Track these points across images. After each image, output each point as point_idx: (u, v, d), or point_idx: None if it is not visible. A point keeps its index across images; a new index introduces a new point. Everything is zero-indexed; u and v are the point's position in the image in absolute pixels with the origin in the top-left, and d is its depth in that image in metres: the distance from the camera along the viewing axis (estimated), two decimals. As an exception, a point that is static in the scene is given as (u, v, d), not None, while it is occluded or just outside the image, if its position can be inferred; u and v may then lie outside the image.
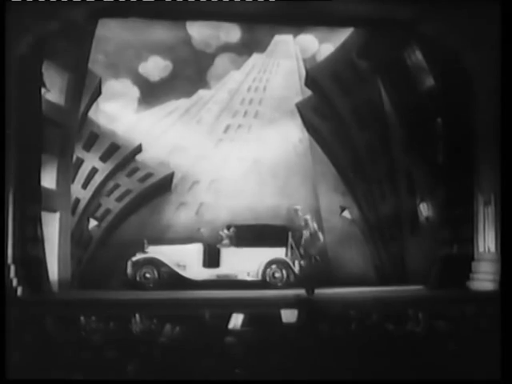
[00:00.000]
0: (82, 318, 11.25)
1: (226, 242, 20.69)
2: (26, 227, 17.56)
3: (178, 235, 22.49)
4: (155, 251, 20.28)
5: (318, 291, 17.88)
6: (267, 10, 17.35)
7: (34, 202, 17.94)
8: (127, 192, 23.39)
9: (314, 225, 19.32)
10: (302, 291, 17.70)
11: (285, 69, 25.17)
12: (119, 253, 20.98)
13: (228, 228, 20.97)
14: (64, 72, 20.16)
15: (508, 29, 14.01)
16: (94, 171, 22.66)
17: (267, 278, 20.21)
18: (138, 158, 23.65)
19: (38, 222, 17.98)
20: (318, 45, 24.10)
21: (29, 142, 17.62)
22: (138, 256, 20.19)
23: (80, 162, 22.27)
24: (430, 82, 20.08)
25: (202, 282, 19.94)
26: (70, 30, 17.81)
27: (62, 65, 19.93)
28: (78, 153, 22.02)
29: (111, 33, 21.84)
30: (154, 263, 20.12)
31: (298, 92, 24.53)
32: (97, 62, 22.00)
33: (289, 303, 13.43)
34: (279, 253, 20.38)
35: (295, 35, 24.38)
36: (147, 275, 20.05)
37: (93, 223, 22.72)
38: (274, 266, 20.30)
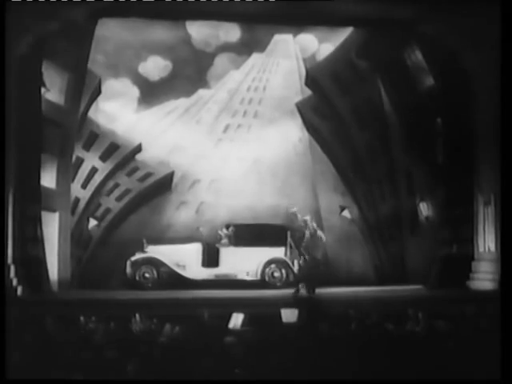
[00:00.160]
0: (81, 318, 11.26)
1: (225, 241, 20.67)
2: (26, 227, 17.56)
3: (178, 234, 22.49)
4: (154, 251, 20.27)
5: (319, 291, 17.85)
6: (267, 10, 17.34)
7: (34, 201, 17.94)
8: (127, 191, 23.40)
9: (313, 225, 19.33)
10: (302, 291, 17.69)
11: (284, 68, 25.18)
12: (119, 252, 20.98)
13: (227, 227, 20.96)
14: (64, 72, 20.17)
15: (508, 29, 14.03)
16: (93, 171, 22.66)
17: (266, 278, 20.20)
18: (138, 157, 23.66)
19: (37, 221, 17.98)
20: (318, 44, 24.11)
21: (29, 141, 17.62)
22: (137, 256, 20.19)
23: (80, 161, 22.28)
24: (429, 81, 20.09)
25: (201, 282, 19.93)
26: (69, 29, 17.82)
27: (61, 65, 19.93)
28: (78, 152, 22.03)
29: (111, 33, 21.84)
30: (153, 263, 20.11)
31: (298, 92, 24.54)
32: (96, 61, 22.00)
33: (289, 303, 13.44)
34: (278, 252, 20.37)
35: (295, 35, 24.39)
36: (146, 275, 20.04)
37: (93, 223, 22.73)
38: (273, 266, 20.29)
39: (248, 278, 20.16)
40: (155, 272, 20.05)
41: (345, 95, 23.03)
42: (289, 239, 20.48)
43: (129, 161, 23.52)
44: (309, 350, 9.02)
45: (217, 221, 22.19)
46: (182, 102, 24.62)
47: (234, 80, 25.13)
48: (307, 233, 19.16)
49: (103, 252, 22.49)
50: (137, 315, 11.31)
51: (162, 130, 24.35)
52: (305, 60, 24.54)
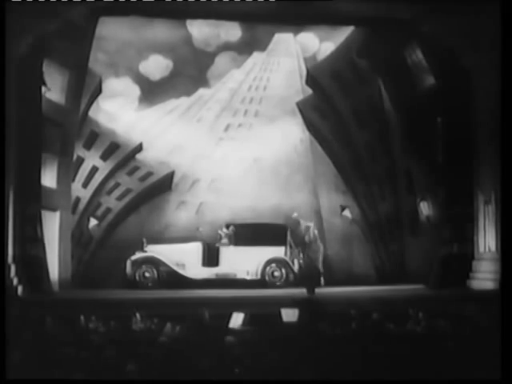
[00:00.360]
0: (81, 318, 11.26)
1: (225, 240, 20.67)
2: (26, 226, 17.54)
3: (178, 234, 22.50)
4: (154, 250, 20.29)
5: (319, 290, 17.88)
6: (268, 9, 17.34)
7: (35, 201, 17.92)
8: (128, 191, 23.40)
9: (315, 232, 19.38)
10: (302, 290, 17.72)
11: (285, 67, 25.19)
12: (120, 252, 20.99)
13: (227, 227, 20.96)
14: (64, 71, 20.18)
15: (508, 29, 14.02)
16: (94, 170, 22.67)
17: (266, 277, 20.22)
18: (139, 156, 23.67)
19: (38, 221, 17.96)
20: (319, 43, 24.11)
21: (29, 140, 17.60)
22: (137, 255, 20.21)
23: (80, 160, 22.29)
24: (430, 81, 20.08)
25: (201, 281, 19.95)
26: (70, 29, 17.77)
27: (62, 64, 19.94)
28: (79, 151, 22.04)
29: (111, 32, 21.86)
30: (153, 262, 20.14)
31: (299, 91, 24.54)
32: (97, 60, 22.02)
33: (289, 302, 13.44)
34: (278, 252, 20.39)
35: (296, 34, 24.39)
36: (146, 274, 20.07)
37: (93, 222, 22.73)
38: (273, 265, 20.31)
39: (248, 278, 20.18)
40: (155, 271, 20.08)
41: (345, 94, 23.04)
42: (289, 238, 20.48)
43: (129, 160, 23.53)
44: (309, 350, 9.01)
45: (217, 220, 22.17)
46: (182, 101, 24.62)
47: (234, 79, 25.14)
48: (306, 238, 19.22)
49: (103, 251, 22.49)
50: (137, 315, 11.32)
51: (163, 129, 24.36)
52: (305, 59, 24.54)
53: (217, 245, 20.60)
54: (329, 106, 23.33)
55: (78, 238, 21.90)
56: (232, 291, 18.39)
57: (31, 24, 16.62)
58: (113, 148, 23.12)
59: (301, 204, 23.05)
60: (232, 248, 20.47)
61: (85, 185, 22.45)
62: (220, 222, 21.62)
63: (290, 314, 13.09)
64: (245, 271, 20.22)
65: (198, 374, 8.30)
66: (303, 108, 23.90)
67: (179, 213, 23.72)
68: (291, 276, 20.26)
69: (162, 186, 23.78)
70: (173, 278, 20.08)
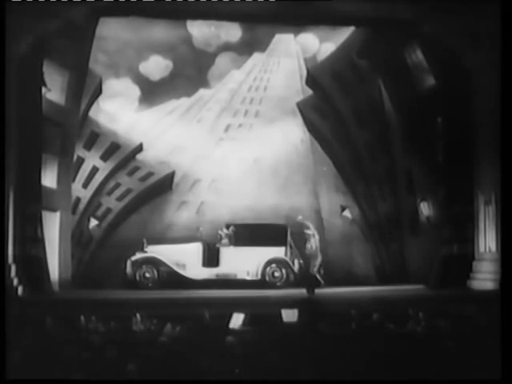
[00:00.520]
0: (82, 318, 11.26)
1: (225, 241, 20.66)
2: (27, 226, 17.55)
3: (179, 234, 22.50)
4: (154, 250, 20.29)
5: (319, 291, 17.89)
6: (268, 10, 17.35)
7: (35, 201, 17.93)
8: (128, 191, 23.38)
9: (316, 242, 19.49)
10: (302, 291, 17.72)
11: (285, 68, 25.17)
12: (120, 252, 20.98)
13: (227, 227, 20.95)
14: (64, 71, 20.17)
15: (508, 29, 14.02)
16: (94, 170, 22.66)
17: (267, 277, 20.20)
18: (139, 157, 23.65)
19: (38, 221, 17.97)
20: (319, 44, 24.09)
21: (29, 141, 17.62)
22: (138, 255, 20.21)
23: (81, 161, 22.28)
24: (430, 81, 20.08)
25: (202, 282, 19.94)
26: (70, 29, 17.78)
27: (62, 64, 19.92)
28: (79, 152, 22.03)
29: (112, 32, 21.84)
30: (154, 262, 20.13)
31: (299, 91, 24.52)
32: (97, 61, 22.01)
33: (289, 303, 13.45)
34: (279, 252, 20.37)
35: (296, 34, 24.34)
36: (147, 274, 20.06)
37: (93, 222, 22.72)
38: (273, 265, 20.29)
39: (248, 278, 20.17)
40: (155, 272, 20.07)
41: (345, 95, 23.03)
42: (289, 239, 20.48)
43: (130, 160, 23.51)
44: (309, 350, 9.01)
45: (217, 220, 22.15)
46: (182, 102, 24.59)
47: (234, 80, 25.12)
48: (308, 246, 19.40)
49: (104, 252, 22.48)
50: (137, 315, 11.32)
51: (163, 129, 24.33)
52: (306, 60, 24.51)
53: (217, 245, 20.58)
54: (329, 106, 23.33)
55: (78, 239, 21.90)
56: (232, 291, 18.39)
57: (31, 24, 16.63)
58: (113, 148, 23.10)
59: (301, 204, 23.06)
60: (232, 248, 20.45)
61: (85, 185, 22.44)
62: (220, 222, 21.59)
63: (290, 315, 13.10)
64: (245, 271, 20.20)
65: (198, 374, 8.31)
66: (303, 108, 23.89)
67: (180, 213, 23.71)
68: (291, 276, 20.24)
69: (163, 186, 23.76)
70: (173, 279, 20.07)
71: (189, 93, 24.41)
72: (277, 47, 24.96)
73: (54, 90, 19.64)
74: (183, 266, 20.18)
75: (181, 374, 8.34)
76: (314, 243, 19.72)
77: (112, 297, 17.60)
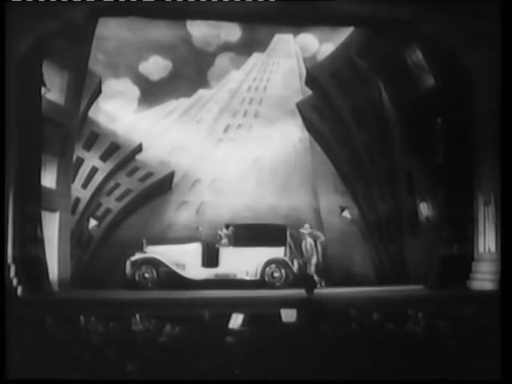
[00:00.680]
0: (81, 318, 11.26)
1: (224, 241, 20.66)
2: (26, 227, 17.54)
3: (179, 234, 22.49)
4: (154, 251, 20.28)
5: (318, 291, 17.88)
6: (268, 10, 17.35)
7: (34, 201, 17.93)
8: (127, 191, 23.39)
9: (312, 241, 19.53)
10: (301, 291, 17.71)
11: (285, 68, 25.18)
12: (119, 252, 20.96)
13: (227, 227, 20.95)
14: (64, 71, 20.17)
15: (508, 29, 14.02)
16: (94, 170, 22.66)
17: (266, 278, 20.19)
18: (138, 157, 23.65)
19: (38, 221, 17.97)
20: (319, 44, 24.09)
21: (29, 141, 17.61)
22: (137, 256, 20.20)
23: (80, 161, 22.28)
24: (430, 81, 20.08)
25: (201, 282, 19.93)
26: (69, 29, 17.79)
27: (62, 64, 19.93)
28: (78, 152, 22.03)
29: (111, 32, 21.83)
30: (153, 263, 20.11)
31: (299, 91, 24.53)
32: (97, 61, 22.00)
33: (288, 303, 13.44)
34: (278, 252, 20.37)
35: (295, 34, 24.35)
36: (146, 275, 20.05)
37: (93, 223, 22.72)
38: (272, 266, 20.28)
39: (248, 278, 20.16)
40: (155, 272, 20.05)
41: (345, 95, 23.04)
42: (288, 239, 20.48)
43: (129, 161, 23.52)
44: (309, 350, 9.01)
45: (217, 220, 22.16)
46: (182, 102, 24.60)
47: (234, 80, 25.13)
48: (303, 246, 19.53)
49: (103, 252, 22.48)
50: (137, 315, 11.32)
51: (163, 129, 24.34)
52: (305, 60, 24.52)
53: (216, 245, 20.58)
54: (328, 106, 23.33)
55: (77, 239, 21.90)
56: (232, 292, 18.39)
57: (31, 24, 16.62)
58: (113, 148, 23.11)
59: (300, 204, 23.08)
60: (232, 248, 20.45)
61: (84, 185, 22.43)
62: (220, 222, 21.60)
63: (289, 315, 13.09)
64: (244, 272, 20.20)
65: (197, 374, 8.30)
66: (303, 108, 23.90)
67: (179, 213, 23.72)
68: (291, 276, 20.23)
69: (162, 186, 23.77)
70: (172, 279, 20.06)
71: (188, 93, 24.42)
72: (276, 47, 24.96)
73: (54, 90, 19.65)
74: (183, 266, 20.17)
75: (180, 374, 8.33)
76: (309, 243, 19.73)
77: (111, 297, 17.59)
